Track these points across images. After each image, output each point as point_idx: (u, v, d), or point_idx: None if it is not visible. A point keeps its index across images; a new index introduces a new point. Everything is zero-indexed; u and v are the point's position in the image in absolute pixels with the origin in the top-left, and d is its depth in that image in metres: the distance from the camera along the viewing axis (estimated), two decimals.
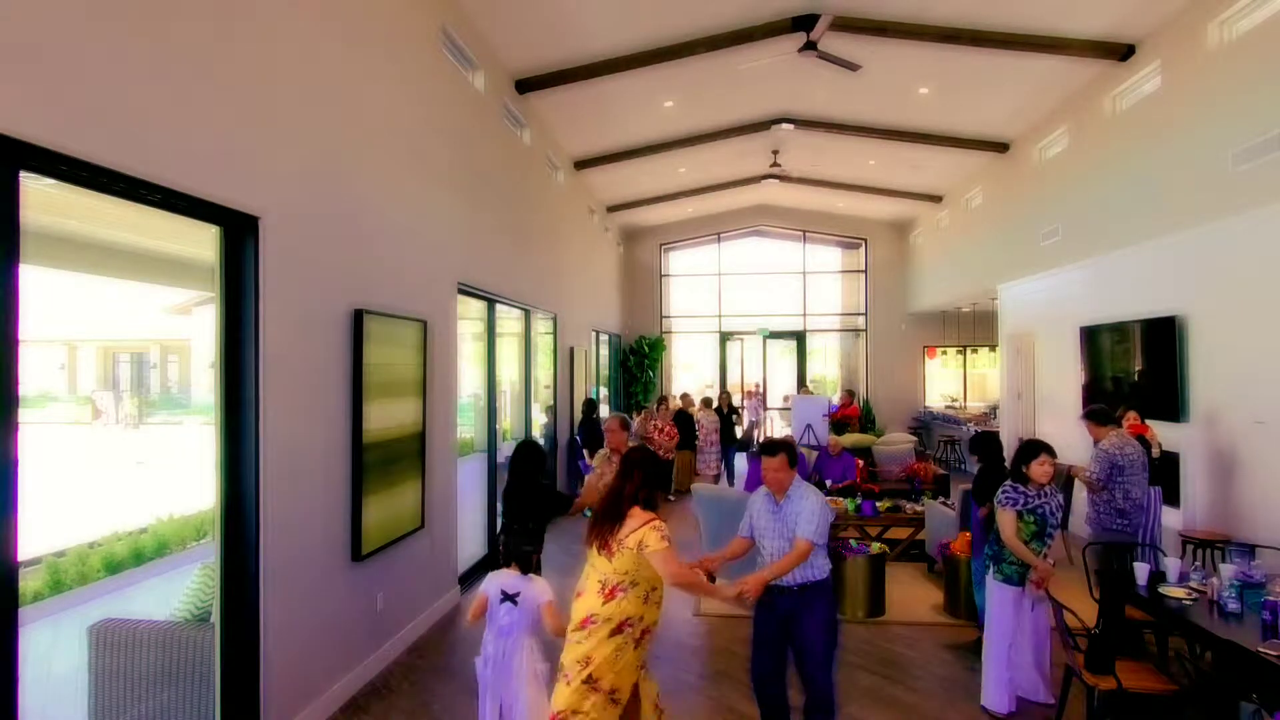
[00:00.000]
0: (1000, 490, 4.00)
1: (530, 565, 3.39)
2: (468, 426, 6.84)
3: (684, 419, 10.49)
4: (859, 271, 15.76)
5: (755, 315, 15.79)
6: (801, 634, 3.30)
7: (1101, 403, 6.82)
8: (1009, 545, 3.88)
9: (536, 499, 4.25)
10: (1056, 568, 4.00)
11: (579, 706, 2.79)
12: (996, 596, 3.98)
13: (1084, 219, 7.88)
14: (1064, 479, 6.76)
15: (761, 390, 15.30)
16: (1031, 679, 4.02)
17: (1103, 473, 4.75)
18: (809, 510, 3.25)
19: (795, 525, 3.25)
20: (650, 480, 3.02)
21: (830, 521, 3.32)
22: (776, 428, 15.16)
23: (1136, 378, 6.79)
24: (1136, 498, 4.72)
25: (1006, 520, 3.89)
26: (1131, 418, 5.66)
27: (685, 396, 12.00)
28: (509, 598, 3.14)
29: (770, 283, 15.98)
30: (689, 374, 16.62)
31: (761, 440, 12.42)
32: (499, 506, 7.21)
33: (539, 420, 8.96)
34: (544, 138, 8.83)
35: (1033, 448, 3.97)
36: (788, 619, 3.32)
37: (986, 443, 4.97)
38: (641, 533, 2.85)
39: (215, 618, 3.24)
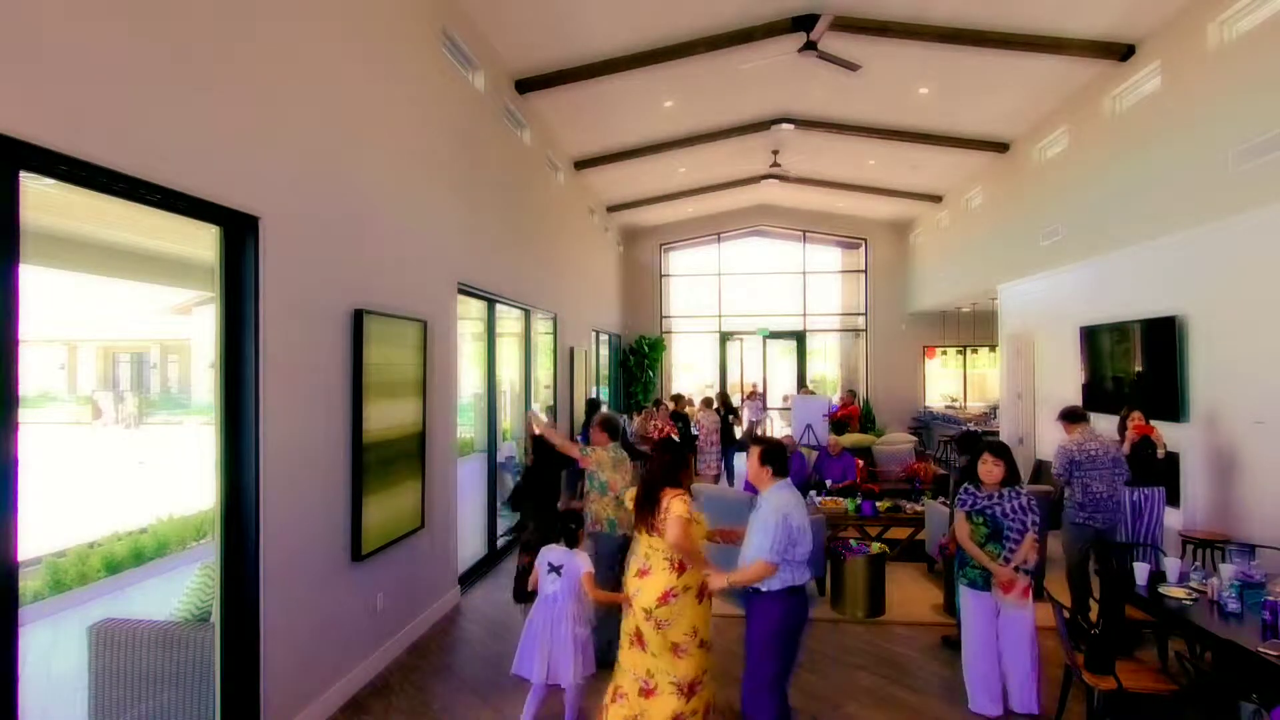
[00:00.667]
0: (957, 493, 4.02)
1: (576, 541, 3.86)
2: (468, 426, 6.84)
3: (680, 420, 10.48)
4: (859, 271, 15.76)
5: (755, 315, 15.80)
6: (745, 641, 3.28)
7: (1102, 402, 6.86)
8: (963, 547, 3.90)
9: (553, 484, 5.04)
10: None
11: (711, 667, 3.33)
12: (965, 601, 3.98)
13: (1084, 219, 7.88)
14: None
15: (761, 391, 15.30)
16: (1011, 686, 3.90)
17: (1061, 468, 4.95)
18: (761, 523, 3.12)
19: (751, 535, 3.18)
20: (674, 463, 3.38)
21: (795, 532, 3.09)
22: (777, 428, 15.16)
23: (1137, 378, 6.79)
24: (1097, 492, 4.84)
25: (958, 522, 3.92)
26: (1136, 418, 5.66)
27: (679, 398, 11.99)
28: (554, 569, 3.64)
29: (770, 283, 15.98)
30: (689, 374, 16.62)
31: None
32: (499, 506, 7.24)
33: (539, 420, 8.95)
34: (544, 138, 8.83)
35: (978, 449, 3.98)
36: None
37: (971, 442, 4.99)
38: (672, 502, 3.20)
39: (215, 618, 3.24)
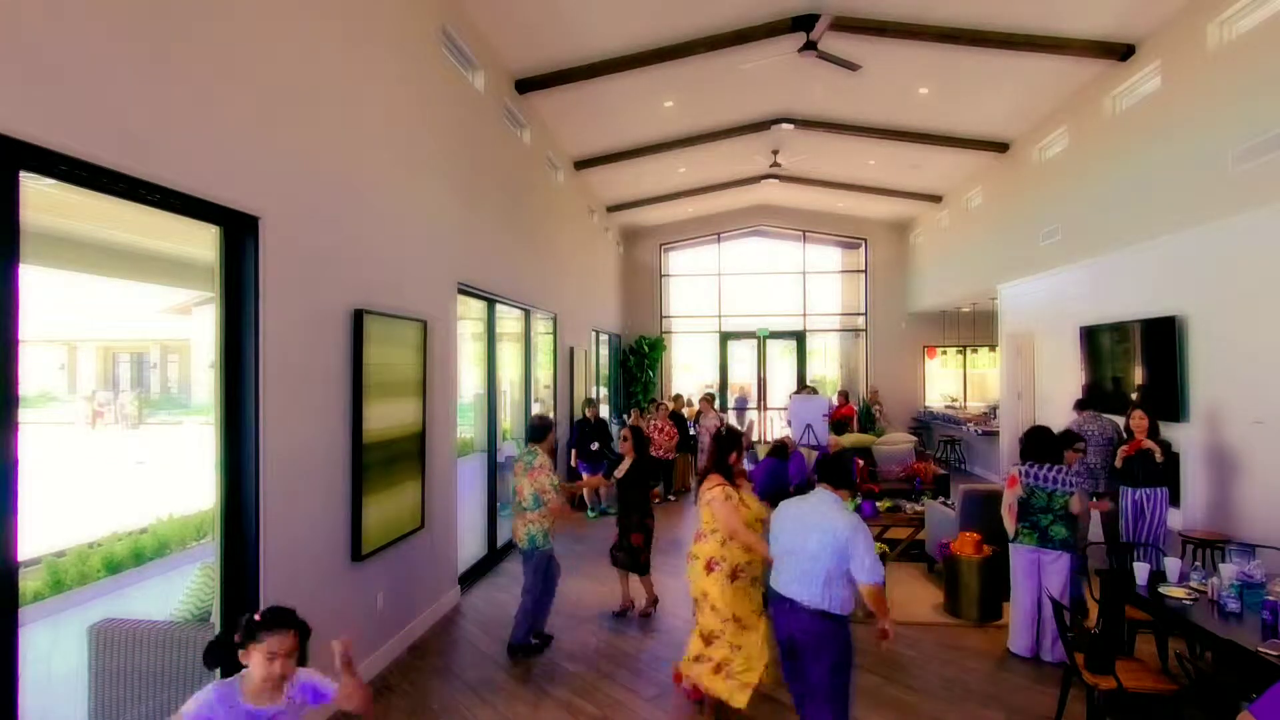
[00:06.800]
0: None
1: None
2: (468, 426, 6.84)
3: (678, 421, 10.47)
4: (859, 271, 15.76)
5: (755, 315, 15.79)
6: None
7: (1102, 402, 6.90)
8: (1006, 510, 4.71)
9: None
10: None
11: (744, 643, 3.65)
12: (1011, 557, 4.74)
13: (1084, 219, 7.88)
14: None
15: (746, 398, 15.31)
16: (1045, 639, 4.59)
17: None
18: (865, 538, 2.95)
19: (857, 551, 2.95)
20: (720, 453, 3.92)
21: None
22: (776, 428, 15.15)
23: (1137, 378, 6.80)
24: (1091, 462, 6.13)
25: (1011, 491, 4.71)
26: (1137, 417, 5.74)
27: (678, 399, 12.00)
28: None
29: (770, 283, 15.97)
30: (689, 374, 16.61)
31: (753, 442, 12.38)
32: (500, 505, 7.25)
33: None
34: (544, 138, 8.83)
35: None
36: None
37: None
38: (712, 492, 3.78)
39: (215, 618, 3.24)
